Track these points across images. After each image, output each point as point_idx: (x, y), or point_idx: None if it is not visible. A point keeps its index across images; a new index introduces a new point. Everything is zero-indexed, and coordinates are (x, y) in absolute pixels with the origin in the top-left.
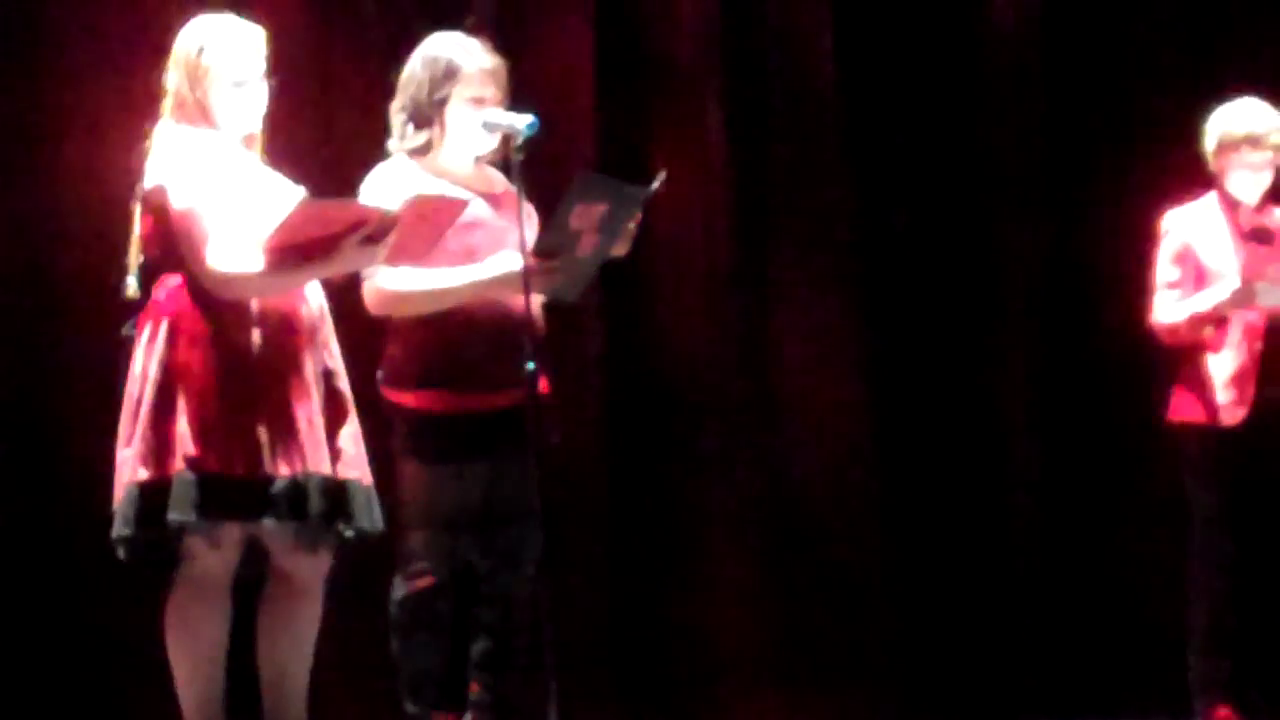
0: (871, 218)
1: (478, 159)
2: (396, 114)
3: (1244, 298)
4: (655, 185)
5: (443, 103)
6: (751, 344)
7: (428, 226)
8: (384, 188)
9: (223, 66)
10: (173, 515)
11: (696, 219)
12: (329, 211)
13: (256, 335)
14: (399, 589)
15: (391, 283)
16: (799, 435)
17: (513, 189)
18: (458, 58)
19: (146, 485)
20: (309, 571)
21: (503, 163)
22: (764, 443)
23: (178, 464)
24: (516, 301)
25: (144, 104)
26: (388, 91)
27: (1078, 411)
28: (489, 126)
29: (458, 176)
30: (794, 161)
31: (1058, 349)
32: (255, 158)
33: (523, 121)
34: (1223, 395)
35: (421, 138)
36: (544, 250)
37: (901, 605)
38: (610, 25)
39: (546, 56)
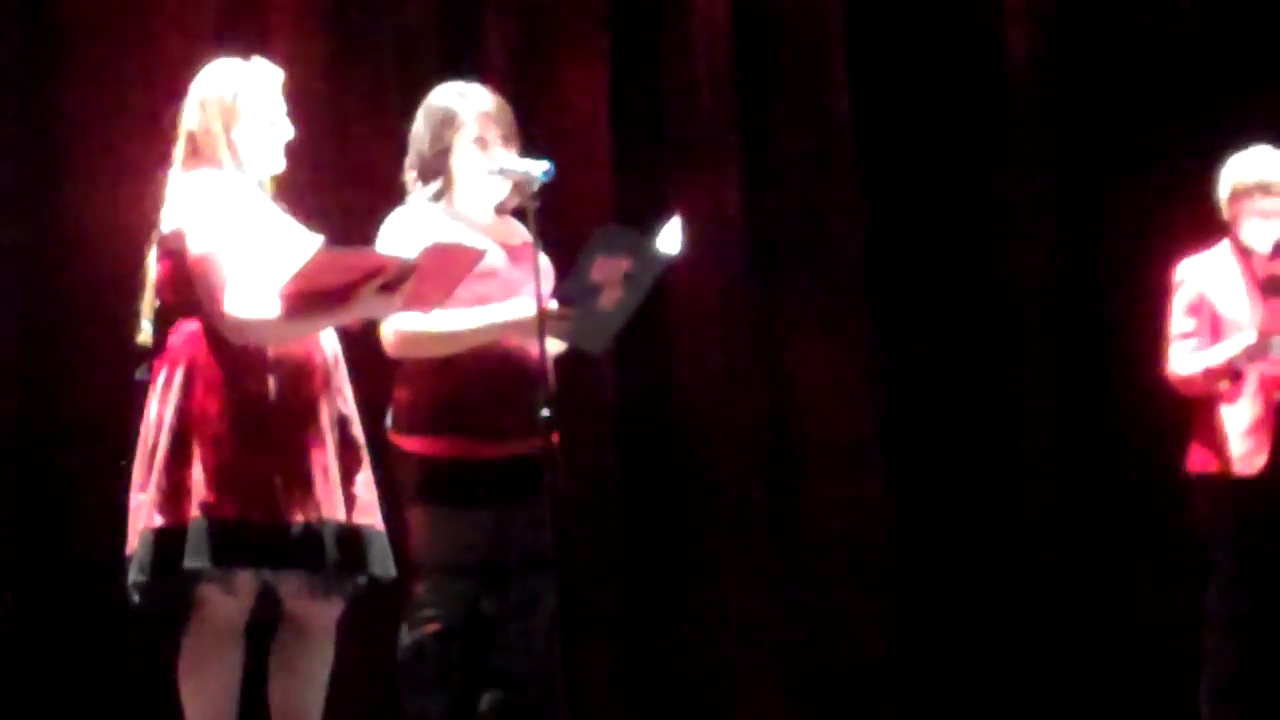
0: (885, 256)
1: (498, 210)
2: (408, 171)
3: (1258, 351)
4: (673, 236)
5: (446, 152)
6: (766, 385)
7: (444, 275)
8: (403, 231)
9: (256, 107)
10: (188, 562)
11: (710, 261)
12: (347, 259)
13: (272, 381)
14: (406, 636)
15: (406, 324)
16: (815, 475)
17: (528, 238)
18: (454, 104)
19: (161, 532)
20: (322, 617)
21: (518, 211)
22: (779, 483)
23: (193, 510)
24: (530, 349)
25: (158, 146)
26: (400, 135)
27: (1095, 459)
28: (503, 173)
29: (475, 224)
30: (807, 200)
31: (1075, 393)
32: (273, 202)
33: (538, 169)
34: (1240, 446)
35: (432, 189)
36: (562, 298)
37: (919, 651)
38: (625, 72)
39: (562, 106)
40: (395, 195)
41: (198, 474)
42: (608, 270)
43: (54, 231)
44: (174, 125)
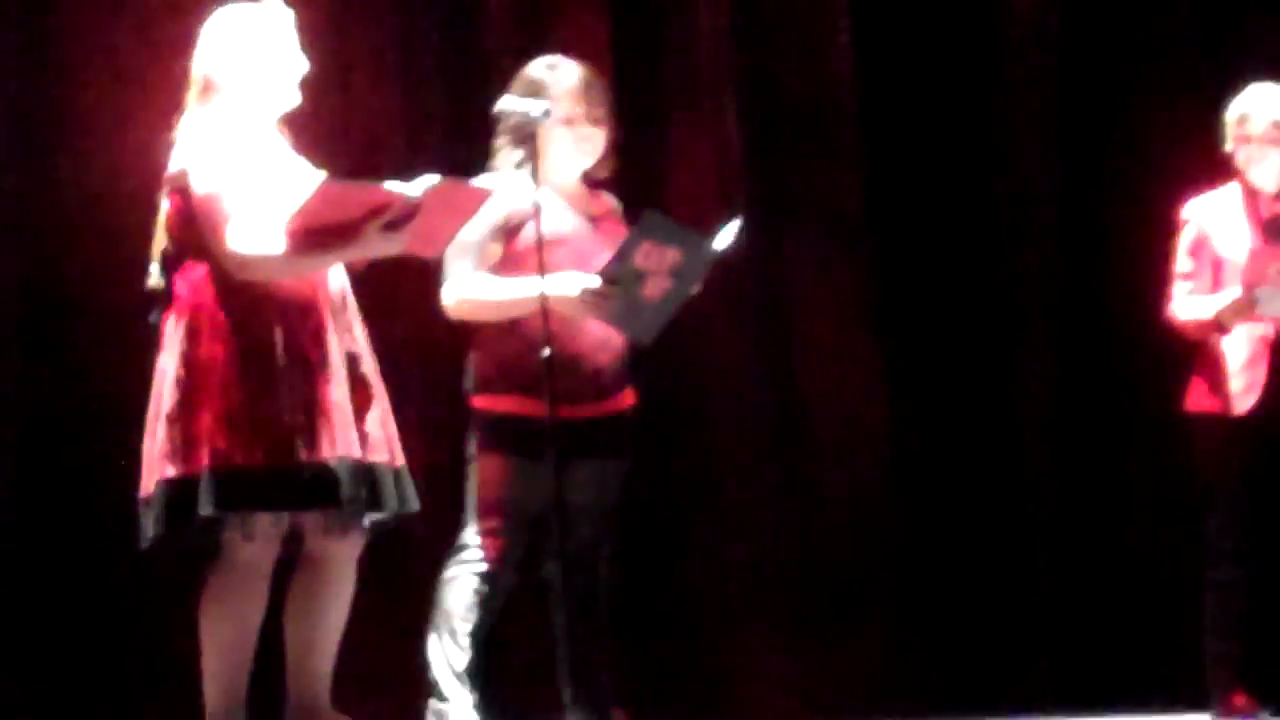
0: (886, 206)
1: (588, 182)
2: (498, 137)
3: (1244, 307)
4: (727, 236)
5: (533, 123)
6: (771, 362)
7: (450, 214)
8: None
9: (267, 47)
10: (202, 511)
11: (710, 214)
12: (350, 194)
13: (276, 323)
14: (447, 572)
15: (460, 290)
16: (822, 448)
17: (617, 212)
18: (546, 78)
19: (174, 482)
20: (341, 555)
21: (530, 161)
22: (788, 463)
23: (204, 459)
24: (594, 322)
25: (169, 96)
26: (406, 87)
27: (1098, 402)
28: (501, 114)
29: (560, 192)
30: (811, 175)
31: (1078, 342)
32: (284, 141)
33: (537, 109)
34: (1235, 383)
35: (517, 157)
36: (606, 276)
37: (920, 601)
38: (626, 25)
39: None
40: (393, 151)
41: (206, 421)
42: (655, 259)
43: (64, 188)
44: (186, 71)
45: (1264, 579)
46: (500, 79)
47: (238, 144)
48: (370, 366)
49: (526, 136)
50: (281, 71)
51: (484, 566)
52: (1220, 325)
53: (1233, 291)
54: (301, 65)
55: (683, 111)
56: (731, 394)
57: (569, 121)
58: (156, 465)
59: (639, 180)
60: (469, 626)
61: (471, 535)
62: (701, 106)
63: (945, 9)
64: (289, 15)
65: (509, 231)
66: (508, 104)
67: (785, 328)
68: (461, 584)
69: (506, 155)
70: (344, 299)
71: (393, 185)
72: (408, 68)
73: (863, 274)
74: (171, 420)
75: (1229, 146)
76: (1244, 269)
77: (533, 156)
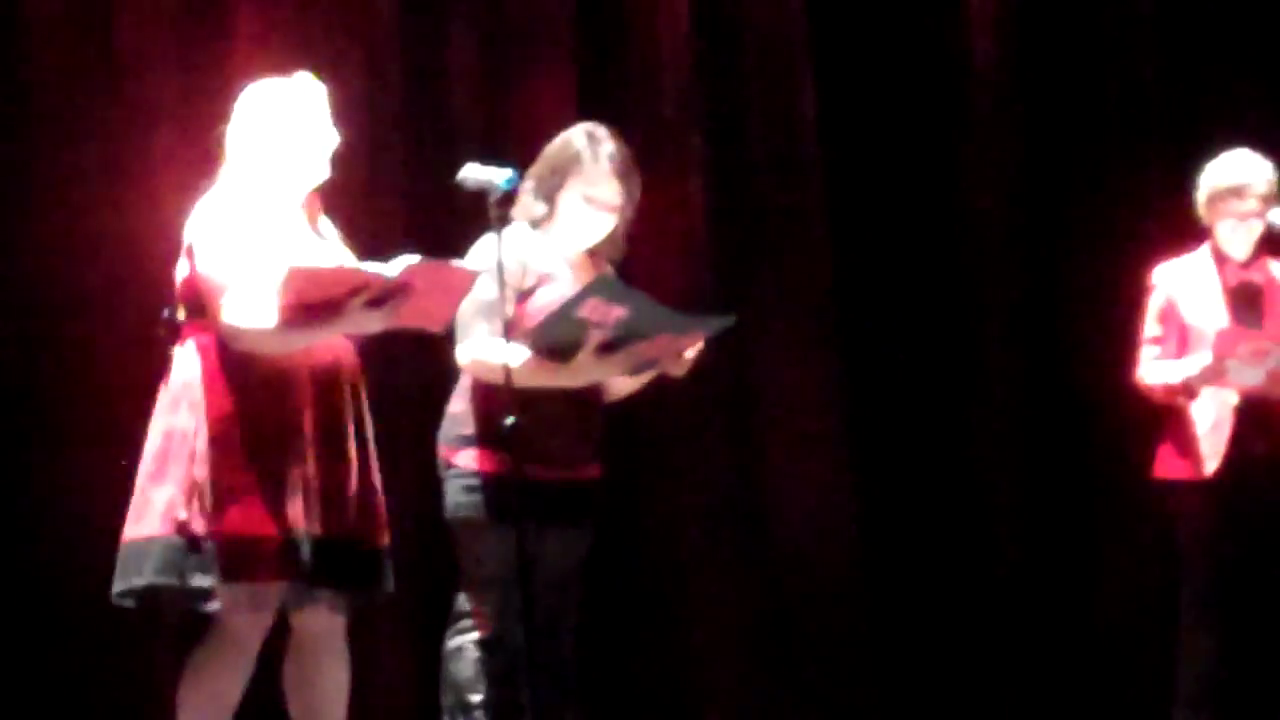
0: (850, 258)
1: (592, 253)
2: (527, 180)
3: (1214, 375)
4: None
5: (557, 188)
6: (732, 408)
7: (440, 293)
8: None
9: (286, 120)
10: (197, 581)
11: (673, 264)
12: (323, 276)
13: (290, 392)
14: (448, 643)
15: (477, 349)
16: (788, 534)
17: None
18: (586, 151)
19: (165, 541)
20: (331, 629)
21: (497, 223)
22: (753, 549)
23: (202, 523)
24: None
25: (204, 160)
26: (371, 146)
27: (1065, 465)
28: (466, 182)
29: (564, 258)
30: (774, 224)
31: (1042, 402)
32: (303, 217)
33: (500, 177)
34: (1202, 448)
35: (538, 211)
36: (548, 321)
37: (888, 681)
38: (593, 87)
39: (528, 113)
40: (358, 203)
41: (208, 484)
42: (600, 313)
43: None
44: (219, 144)
45: (1237, 648)
46: (465, 135)
47: (248, 218)
48: (361, 444)
49: (546, 197)
50: (309, 146)
51: (481, 634)
52: (1189, 390)
53: (1203, 358)
54: (332, 139)
55: (647, 176)
56: (696, 475)
57: (590, 201)
58: (155, 518)
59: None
60: (480, 697)
61: (465, 601)
62: (666, 170)
63: (909, 61)
64: (320, 89)
65: (523, 294)
66: (470, 172)
67: (749, 408)
68: (464, 655)
69: (527, 206)
70: (355, 373)
71: (369, 266)
72: (373, 124)
73: (829, 355)
74: (177, 476)
75: (1201, 212)
76: (1215, 343)
77: (499, 224)
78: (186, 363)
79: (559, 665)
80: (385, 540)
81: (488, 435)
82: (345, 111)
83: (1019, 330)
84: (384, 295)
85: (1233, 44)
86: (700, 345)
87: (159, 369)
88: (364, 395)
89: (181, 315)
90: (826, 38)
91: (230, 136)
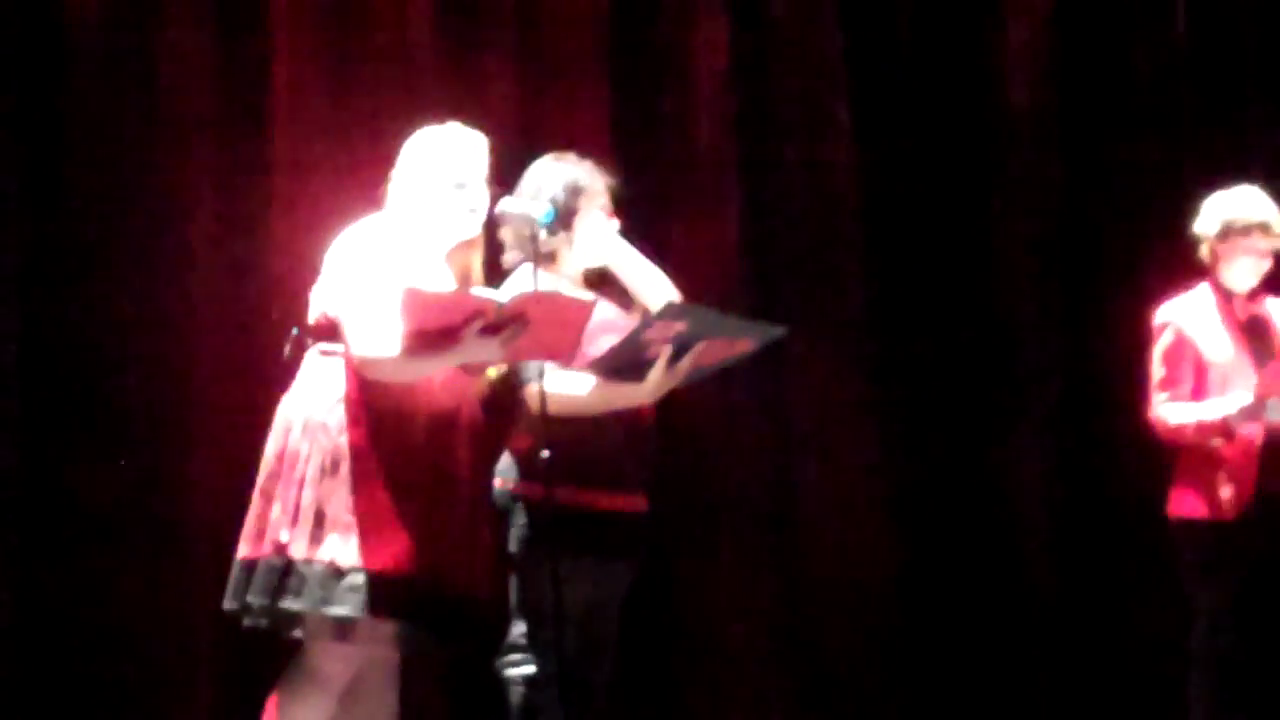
0: (887, 292)
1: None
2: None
3: (1254, 413)
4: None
5: (572, 214)
6: (768, 421)
7: (559, 326)
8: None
9: (447, 169)
10: (287, 604)
11: (710, 297)
12: (440, 301)
13: (406, 431)
14: (501, 676)
15: (552, 385)
16: (817, 534)
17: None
18: (582, 175)
19: (265, 562)
20: (391, 666)
21: (535, 257)
22: (787, 571)
23: (302, 548)
24: (641, 410)
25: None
26: None
27: (1093, 506)
28: (506, 216)
29: (575, 282)
30: (809, 237)
31: (1079, 442)
32: (447, 269)
33: (539, 211)
34: (1222, 489)
35: (551, 245)
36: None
37: (920, 700)
38: (628, 113)
39: (563, 144)
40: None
41: (340, 514)
42: (661, 332)
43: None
44: (383, 188)
45: (1249, 686)
46: (501, 168)
47: (388, 253)
48: (476, 493)
49: (531, 237)
50: (452, 198)
51: (531, 669)
52: (1227, 430)
53: (1241, 397)
54: (483, 197)
55: (683, 204)
56: (728, 495)
57: (605, 210)
58: (271, 538)
59: None
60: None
61: (519, 635)
62: (702, 199)
63: (946, 101)
64: (483, 143)
65: None
66: (508, 205)
67: (784, 426)
68: (517, 690)
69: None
70: (453, 421)
71: (484, 292)
72: None
73: (862, 373)
74: (257, 500)
75: (1205, 246)
76: (1260, 380)
77: (535, 258)
78: (307, 386)
79: (594, 698)
80: (484, 592)
81: (541, 468)
82: (382, 141)
83: (1053, 347)
84: (499, 322)
85: (1270, 85)
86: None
87: (274, 387)
88: (484, 448)
89: (309, 339)
90: (863, 72)
91: (394, 178)
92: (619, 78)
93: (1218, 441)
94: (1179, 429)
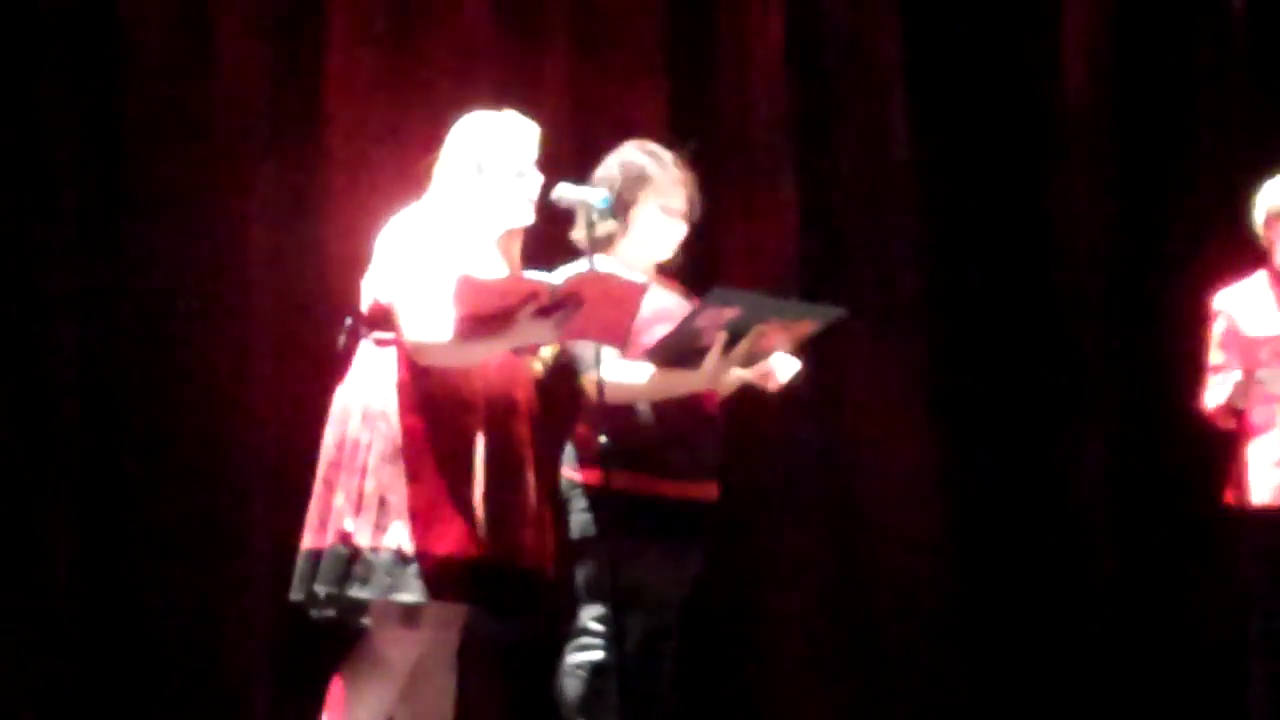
0: (943, 289)
1: (660, 266)
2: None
3: (1246, 388)
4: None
5: (630, 204)
6: (824, 429)
7: (611, 305)
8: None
9: (501, 158)
10: (354, 592)
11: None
12: (494, 285)
13: (465, 415)
14: (566, 662)
15: (614, 372)
16: (873, 527)
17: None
18: (651, 165)
19: (331, 551)
20: (449, 641)
21: (592, 243)
22: (843, 558)
23: (366, 536)
24: (707, 399)
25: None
26: None
27: (1152, 493)
28: (561, 201)
29: (645, 271)
30: (866, 233)
31: (1135, 431)
32: (498, 255)
33: (596, 197)
34: (1275, 476)
35: (612, 228)
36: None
37: (977, 691)
38: (684, 104)
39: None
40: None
41: (401, 501)
42: (712, 318)
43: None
44: (428, 173)
45: None
46: (557, 156)
47: (439, 240)
48: (537, 474)
49: (615, 217)
50: (510, 186)
51: (599, 655)
52: (1232, 409)
53: (1233, 376)
54: (534, 183)
55: (738, 192)
56: (785, 487)
57: (668, 210)
58: (336, 527)
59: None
60: (588, 710)
61: (588, 619)
62: (757, 188)
63: (1003, 89)
64: (534, 130)
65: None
66: (564, 191)
67: (838, 418)
68: (579, 676)
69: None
70: (511, 403)
71: (536, 275)
72: None
73: (918, 365)
74: (366, 490)
75: (1259, 232)
76: (1241, 358)
77: (591, 244)
78: (363, 374)
79: (656, 688)
80: (549, 571)
81: (624, 453)
82: (437, 130)
83: (1113, 337)
84: (553, 304)
85: None
86: (799, 366)
87: (329, 376)
88: (544, 431)
89: (364, 327)
90: (921, 55)
91: (441, 162)
92: (675, 67)
93: (1231, 423)
94: (1212, 414)
